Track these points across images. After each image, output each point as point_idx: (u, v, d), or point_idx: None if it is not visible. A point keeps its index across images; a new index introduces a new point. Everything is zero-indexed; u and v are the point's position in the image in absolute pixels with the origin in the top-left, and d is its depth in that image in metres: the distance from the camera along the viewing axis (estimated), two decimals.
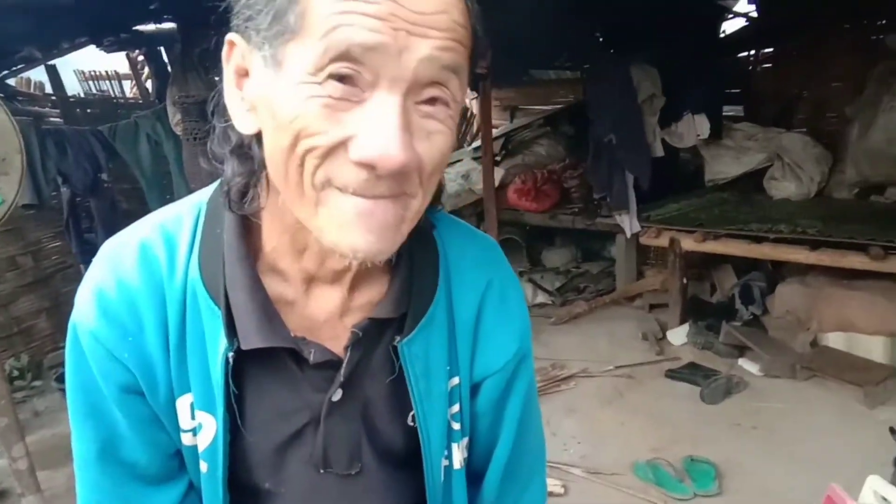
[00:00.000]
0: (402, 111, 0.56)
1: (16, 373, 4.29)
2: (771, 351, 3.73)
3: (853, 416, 3.20)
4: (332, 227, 0.60)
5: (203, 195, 0.76)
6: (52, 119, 4.67)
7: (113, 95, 5.82)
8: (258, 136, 0.64)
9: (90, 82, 5.79)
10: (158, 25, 4.21)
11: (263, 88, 0.60)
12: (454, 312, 0.79)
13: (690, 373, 3.73)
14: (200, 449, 0.73)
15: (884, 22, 4.67)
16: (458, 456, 0.82)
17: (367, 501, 0.80)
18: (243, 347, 0.68)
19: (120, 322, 0.69)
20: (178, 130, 4.03)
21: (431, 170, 0.61)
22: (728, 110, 5.19)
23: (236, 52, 0.63)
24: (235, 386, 0.70)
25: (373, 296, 0.75)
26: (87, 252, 4.30)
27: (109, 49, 4.32)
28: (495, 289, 0.81)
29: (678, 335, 4.24)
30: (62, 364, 0.77)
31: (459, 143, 7.49)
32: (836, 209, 4.21)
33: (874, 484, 1.95)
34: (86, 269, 0.73)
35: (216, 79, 0.67)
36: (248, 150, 0.67)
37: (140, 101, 5.52)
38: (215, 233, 0.71)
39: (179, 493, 0.78)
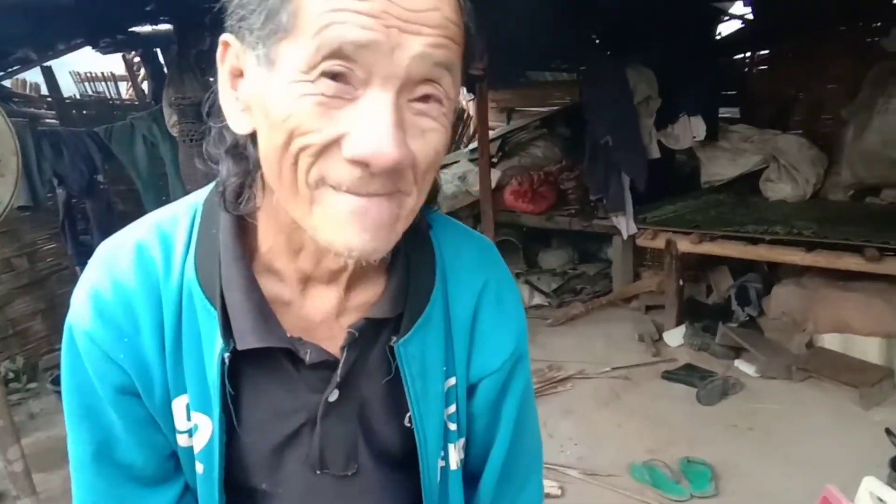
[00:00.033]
0: (395, 108, 0.56)
1: (11, 375, 4.28)
2: (767, 352, 3.74)
3: (849, 418, 3.21)
4: (326, 225, 0.60)
5: (199, 196, 0.76)
6: (47, 120, 4.65)
7: (109, 97, 5.81)
8: (253, 137, 0.64)
9: (86, 84, 5.79)
10: (155, 27, 4.21)
11: (257, 88, 0.60)
12: (450, 313, 0.79)
13: (687, 374, 3.73)
14: (196, 450, 0.73)
15: (879, 24, 4.69)
16: (455, 457, 0.82)
17: (363, 502, 0.80)
18: (239, 348, 0.68)
19: (116, 323, 0.68)
20: (174, 132, 4.03)
21: (426, 167, 0.61)
22: (724, 112, 5.20)
23: (231, 52, 0.63)
24: (231, 387, 0.70)
25: (369, 296, 0.75)
26: (83, 254, 4.29)
27: (105, 50, 4.31)
28: (491, 289, 0.81)
29: (675, 336, 4.24)
30: (58, 366, 0.77)
31: (456, 145, 7.50)
32: (832, 211, 4.23)
33: (870, 485, 1.95)
34: (81, 270, 0.73)
35: (212, 80, 0.67)
36: (243, 151, 0.67)
37: (136, 103, 5.52)
38: (211, 233, 0.71)
39: (175, 494, 0.78)
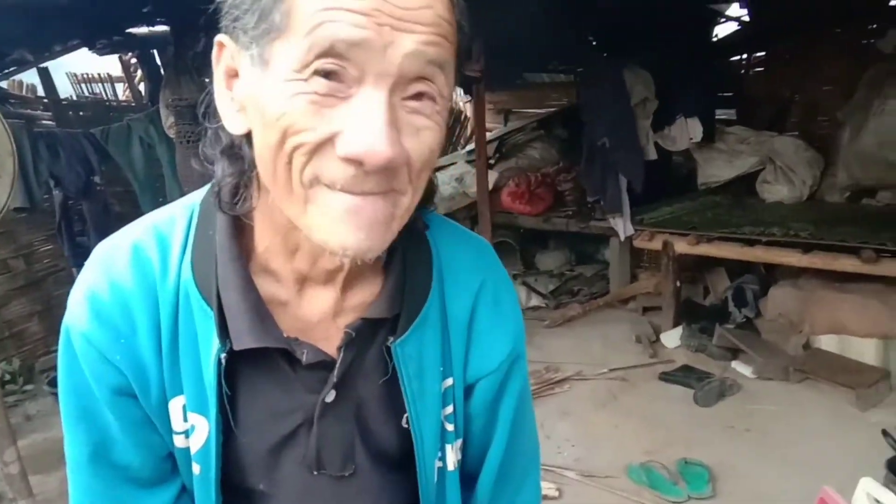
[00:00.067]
0: (389, 106, 0.56)
1: (7, 377, 4.27)
2: (764, 353, 3.74)
3: (846, 419, 3.22)
4: (321, 224, 0.60)
5: (196, 197, 0.76)
6: (44, 122, 4.65)
7: (105, 98, 5.80)
8: (248, 137, 0.64)
9: (82, 85, 5.77)
10: (151, 28, 4.21)
11: (252, 88, 0.60)
12: (447, 313, 0.79)
13: (684, 375, 3.73)
14: (193, 451, 0.73)
15: (874, 26, 4.70)
16: (452, 457, 0.82)
17: (360, 503, 0.80)
18: (235, 348, 0.68)
19: (112, 324, 0.68)
20: (171, 133, 4.03)
21: (420, 166, 0.61)
22: (720, 114, 5.21)
23: (226, 53, 0.63)
24: (228, 387, 0.70)
25: (366, 296, 0.75)
26: (80, 255, 4.28)
27: (102, 52, 4.31)
28: (488, 290, 0.81)
29: (672, 338, 4.25)
30: (54, 368, 0.77)
31: (453, 147, 7.51)
32: (828, 212, 4.24)
33: (867, 486, 1.96)
34: (78, 272, 0.72)
35: (208, 81, 0.67)
36: (238, 151, 0.67)
37: (133, 104, 5.52)
38: (208, 234, 0.71)
39: (172, 495, 0.78)
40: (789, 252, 3.72)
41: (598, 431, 3.29)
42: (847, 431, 3.09)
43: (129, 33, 4.20)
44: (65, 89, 5.32)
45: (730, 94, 5.49)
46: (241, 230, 0.71)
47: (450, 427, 0.81)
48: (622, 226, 4.64)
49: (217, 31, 0.63)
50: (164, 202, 0.81)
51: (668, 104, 4.63)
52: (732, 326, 4.11)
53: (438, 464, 0.81)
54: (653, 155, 4.70)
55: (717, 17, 5.50)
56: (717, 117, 5.02)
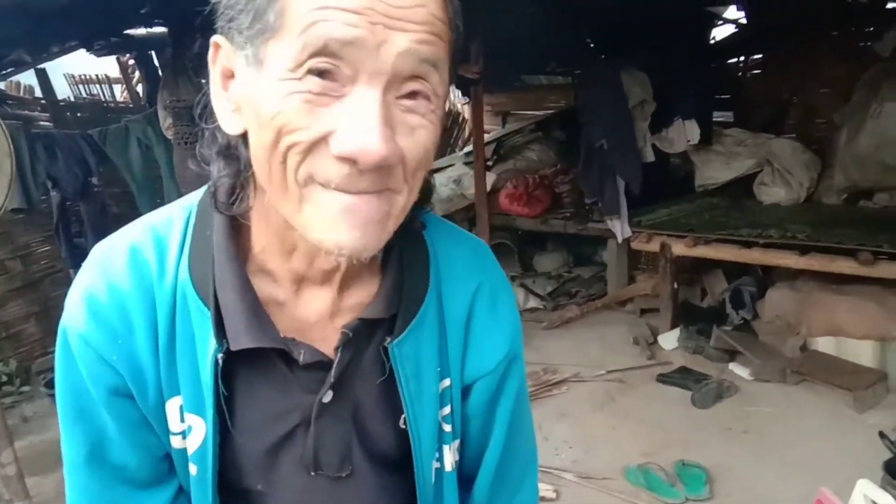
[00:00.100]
0: (382, 105, 0.56)
1: (4, 378, 4.26)
2: (761, 355, 3.75)
3: (843, 421, 3.22)
4: (316, 223, 0.60)
5: (194, 198, 0.76)
6: (41, 123, 4.65)
7: (103, 99, 5.80)
8: (245, 137, 0.64)
9: (80, 86, 5.77)
10: (149, 29, 4.21)
11: (247, 88, 0.60)
12: (445, 313, 0.79)
13: (681, 377, 3.74)
14: (190, 452, 0.73)
15: (871, 29, 4.72)
16: (450, 458, 0.82)
17: None
18: (232, 348, 0.68)
19: (110, 325, 0.68)
20: (168, 134, 4.03)
21: (415, 165, 0.61)
22: (718, 116, 5.23)
23: (221, 53, 0.63)
24: (225, 388, 0.70)
25: (363, 297, 0.76)
26: (77, 256, 4.28)
27: (100, 53, 4.31)
28: (486, 290, 0.81)
29: (669, 340, 4.25)
30: (51, 369, 0.77)
31: (451, 148, 7.51)
32: (826, 214, 4.24)
33: (864, 488, 1.96)
34: (75, 273, 0.72)
35: (205, 82, 0.67)
36: (234, 151, 0.67)
37: (131, 105, 5.51)
38: (205, 235, 0.71)
39: (169, 496, 0.78)
40: (786, 254, 3.72)
41: (596, 433, 3.29)
42: (844, 433, 3.10)
43: (127, 34, 4.21)
44: (62, 90, 5.32)
45: (727, 96, 5.50)
46: (238, 230, 0.72)
47: (447, 428, 0.81)
48: (620, 228, 4.64)
49: (213, 32, 0.64)
50: (162, 203, 0.81)
51: (665, 106, 4.63)
52: (730, 328, 4.11)
53: (436, 464, 0.81)
54: (650, 157, 4.70)
55: (714, 19, 5.51)
56: (714, 119, 5.03)
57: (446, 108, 0.68)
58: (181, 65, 3.86)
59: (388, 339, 0.73)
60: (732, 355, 3.90)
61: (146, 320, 0.69)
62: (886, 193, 4.31)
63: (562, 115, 6.21)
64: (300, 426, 0.75)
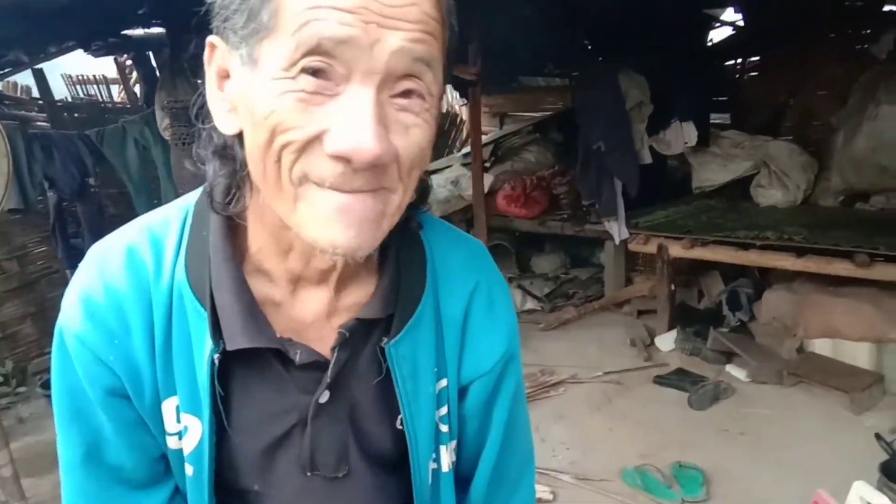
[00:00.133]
0: (376, 104, 0.57)
1: (0, 379, 4.25)
2: (758, 357, 3.75)
3: (839, 422, 3.23)
4: (310, 222, 0.60)
5: (191, 198, 0.76)
6: (38, 123, 4.64)
7: (101, 100, 5.79)
8: (240, 137, 0.64)
9: (77, 86, 5.76)
10: (147, 30, 4.20)
11: (242, 87, 0.60)
12: (441, 314, 0.79)
13: (678, 379, 3.74)
14: (186, 452, 0.73)
15: (868, 31, 4.73)
16: (447, 459, 0.82)
17: None
18: (229, 348, 0.68)
19: (106, 326, 0.68)
20: (166, 135, 4.02)
21: (410, 164, 0.62)
22: (715, 118, 5.23)
23: (217, 54, 0.64)
24: (222, 388, 0.70)
25: (360, 297, 0.75)
26: (74, 257, 4.27)
27: (97, 53, 4.30)
28: (483, 291, 0.81)
29: (666, 341, 4.25)
30: (47, 370, 0.77)
31: (449, 150, 7.51)
32: (822, 216, 4.25)
33: (860, 490, 1.96)
34: (72, 274, 0.72)
35: (201, 83, 0.67)
36: (230, 151, 0.67)
37: (128, 106, 5.50)
38: (202, 235, 0.71)
39: (165, 496, 0.78)
40: (783, 256, 3.73)
41: (593, 435, 3.29)
42: (841, 435, 3.10)
43: (125, 35, 4.20)
44: (60, 91, 5.31)
45: (724, 98, 5.52)
46: (234, 231, 0.72)
47: (444, 428, 0.81)
48: (617, 229, 4.64)
49: (209, 32, 0.64)
50: (159, 204, 0.81)
51: (663, 108, 4.64)
52: (727, 330, 4.12)
53: (433, 465, 0.81)
54: (648, 159, 4.71)
55: (712, 21, 5.53)
56: (711, 121, 5.03)
57: (442, 109, 0.68)
58: (179, 65, 3.86)
59: (385, 340, 0.73)
60: (729, 357, 3.91)
61: (143, 321, 0.69)
62: (883, 196, 4.32)
63: (559, 117, 6.22)
64: (297, 426, 0.74)
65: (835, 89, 4.72)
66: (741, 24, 5.46)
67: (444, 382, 0.79)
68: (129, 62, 5.25)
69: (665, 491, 2.75)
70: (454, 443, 0.83)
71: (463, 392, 0.82)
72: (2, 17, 2.94)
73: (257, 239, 0.71)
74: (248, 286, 0.70)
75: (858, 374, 3.50)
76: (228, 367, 0.70)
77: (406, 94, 0.59)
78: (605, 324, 4.73)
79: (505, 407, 0.84)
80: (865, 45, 4.68)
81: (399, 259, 0.76)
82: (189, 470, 0.73)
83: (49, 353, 0.73)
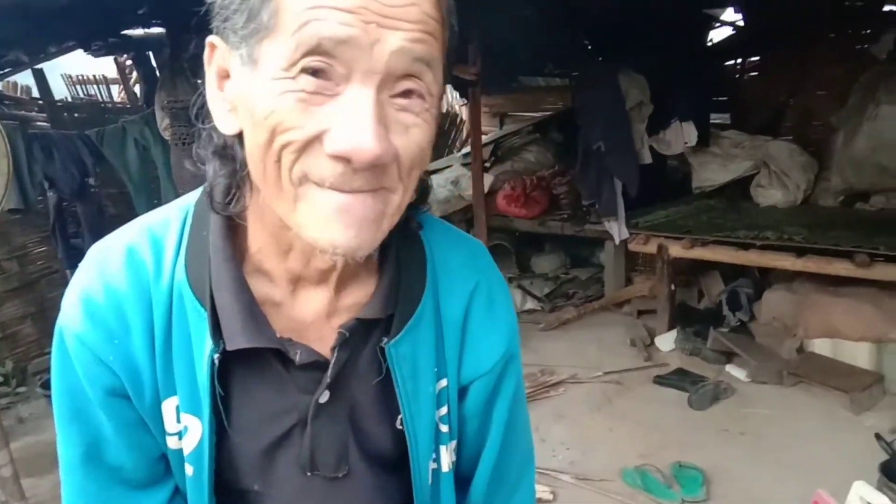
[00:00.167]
0: (376, 103, 0.57)
1: (0, 379, 4.25)
2: (758, 357, 3.75)
3: (839, 422, 3.23)
4: (311, 222, 0.60)
5: (191, 198, 0.76)
6: (38, 123, 4.64)
7: (101, 100, 5.79)
8: (240, 137, 0.64)
9: (77, 86, 5.76)
10: (147, 30, 4.20)
11: (242, 87, 0.60)
12: (441, 314, 0.79)
13: (678, 379, 3.74)
14: (186, 452, 0.73)
15: (868, 31, 4.73)
16: (447, 459, 0.82)
17: None
18: (228, 348, 0.68)
19: (106, 325, 0.68)
20: (166, 135, 4.02)
21: (410, 164, 0.62)
22: (715, 118, 5.23)
23: (217, 54, 0.64)
24: (221, 388, 0.70)
25: (360, 297, 0.75)
26: (74, 257, 4.27)
27: (97, 53, 4.30)
28: (483, 290, 0.81)
29: (666, 341, 4.25)
30: (47, 370, 0.76)
31: (449, 150, 7.51)
32: (822, 216, 4.25)
33: (860, 490, 1.96)
34: (72, 274, 0.72)
35: (201, 83, 0.67)
36: (230, 151, 0.67)
37: (128, 106, 5.50)
38: (202, 235, 0.71)
39: (165, 496, 0.78)
40: (783, 256, 3.73)
41: (593, 435, 3.29)
42: (841, 435, 3.10)
43: (125, 35, 4.20)
44: (60, 91, 5.31)
45: (724, 98, 5.52)
46: (234, 231, 0.72)
47: (444, 428, 0.81)
48: (617, 229, 4.64)
49: (210, 32, 0.64)
50: (159, 204, 0.81)
51: (663, 108, 4.64)
52: (727, 330, 4.12)
53: (433, 465, 0.81)
54: (648, 159, 4.71)
55: (712, 21, 5.53)
56: (711, 121, 5.04)
57: (442, 109, 0.68)
58: (179, 65, 3.86)
59: (385, 340, 0.73)
60: (729, 357, 3.91)
61: (143, 321, 0.69)
62: (883, 196, 4.32)
63: (559, 117, 6.22)
64: (297, 426, 0.74)
65: (835, 89, 4.73)
66: (741, 24, 5.46)
67: (444, 382, 0.79)
68: (129, 62, 5.25)
69: (665, 491, 2.75)
70: (454, 443, 0.83)
71: (463, 392, 0.82)
72: (2, 16, 2.94)
73: (257, 239, 0.71)
74: (248, 286, 0.70)
75: (858, 374, 3.50)
76: (228, 367, 0.70)
77: (406, 94, 0.59)
78: (605, 324, 4.73)
79: (505, 407, 0.84)
80: (865, 45, 4.69)
81: (399, 259, 0.76)
82: (189, 470, 0.73)
83: (49, 353, 0.73)
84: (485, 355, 0.81)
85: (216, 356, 0.68)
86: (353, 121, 0.56)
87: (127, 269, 0.70)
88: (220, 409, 0.70)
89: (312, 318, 0.74)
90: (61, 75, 5.60)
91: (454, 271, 0.80)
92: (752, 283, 4.32)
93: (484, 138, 5.71)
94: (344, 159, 0.57)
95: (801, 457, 2.94)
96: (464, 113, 7.55)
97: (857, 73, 4.43)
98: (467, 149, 6.32)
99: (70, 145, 4.09)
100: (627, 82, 4.52)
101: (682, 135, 4.68)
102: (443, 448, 0.81)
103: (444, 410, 0.80)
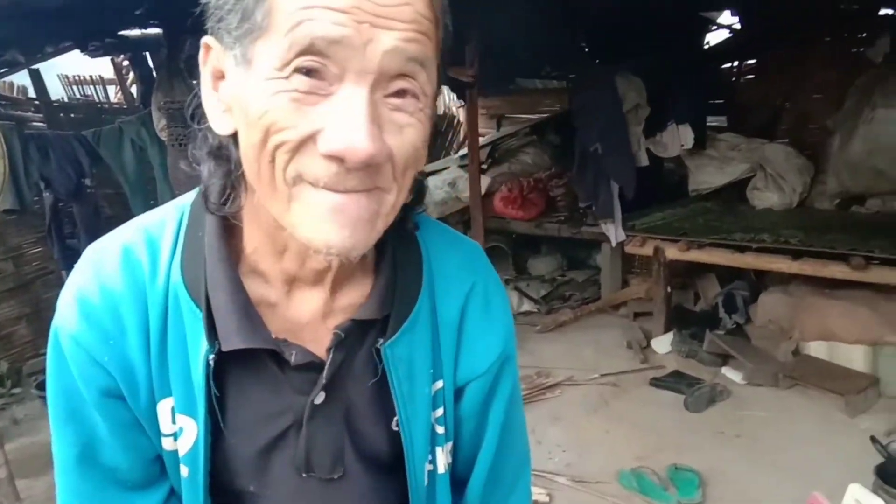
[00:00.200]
0: (370, 103, 0.57)
1: None
2: (754, 360, 3.76)
3: (835, 425, 3.23)
4: (305, 222, 0.60)
5: (187, 198, 0.76)
6: (35, 123, 4.63)
7: (97, 100, 5.78)
8: (235, 137, 0.64)
9: (74, 87, 5.76)
10: (144, 30, 4.20)
11: (236, 88, 0.61)
12: (437, 315, 0.79)
13: (675, 381, 3.74)
14: (181, 453, 0.73)
15: (864, 35, 4.75)
16: (443, 460, 0.82)
17: None
18: (224, 349, 0.68)
19: (102, 326, 0.68)
20: (162, 136, 4.02)
21: (405, 164, 0.62)
22: (712, 121, 5.25)
23: (212, 54, 0.64)
24: (217, 389, 0.70)
25: (356, 297, 0.75)
26: (70, 258, 4.26)
27: (94, 54, 4.30)
28: (479, 291, 0.81)
29: (662, 343, 4.26)
30: (42, 371, 0.76)
31: (446, 151, 7.52)
32: (818, 219, 4.26)
33: (855, 492, 1.97)
34: (67, 275, 0.72)
35: (196, 83, 0.67)
36: (225, 152, 0.67)
37: (125, 107, 5.50)
38: (197, 236, 0.71)
39: (160, 498, 0.77)
40: (779, 259, 3.74)
41: (589, 437, 3.29)
42: (836, 438, 3.11)
43: (122, 35, 4.20)
44: (56, 91, 5.31)
45: (721, 101, 5.53)
46: (230, 231, 0.72)
47: (440, 430, 0.81)
48: (614, 231, 4.65)
49: (205, 33, 0.64)
50: (155, 205, 0.81)
51: (659, 111, 4.65)
52: (723, 332, 4.12)
53: (429, 467, 0.80)
54: (644, 161, 4.71)
55: (708, 24, 5.54)
56: (708, 124, 5.05)
57: (437, 109, 0.68)
58: (176, 66, 3.85)
59: (381, 341, 0.72)
60: (725, 359, 3.91)
61: (138, 321, 0.69)
62: (878, 199, 4.34)
63: (556, 119, 6.22)
64: (292, 427, 0.74)
65: (831, 92, 4.74)
66: (738, 27, 5.47)
67: (439, 384, 0.79)
68: (125, 63, 5.24)
69: (661, 493, 2.75)
70: (450, 444, 0.83)
71: (459, 393, 0.82)
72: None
73: (252, 239, 0.71)
74: (243, 287, 0.70)
75: (854, 376, 3.50)
76: (224, 367, 0.70)
77: (400, 93, 0.59)
78: (602, 326, 4.74)
79: (501, 408, 0.84)
80: (861, 49, 4.71)
81: (395, 260, 0.76)
82: (184, 471, 0.73)
83: (44, 353, 0.73)
84: (481, 356, 0.81)
85: (211, 357, 0.67)
86: (346, 120, 0.56)
87: (123, 269, 0.70)
88: (215, 409, 0.70)
89: (308, 318, 0.74)
90: (58, 75, 5.60)
91: (450, 272, 0.80)
92: (748, 286, 4.33)
93: (481, 140, 5.71)
94: (338, 159, 0.57)
95: (796, 459, 2.95)
96: (461, 115, 7.56)
97: (853, 77, 4.45)
98: (464, 150, 6.33)
99: (66, 146, 4.08)
100: (624, 85, 4.53)
101: (678, 137, 4.69)
102: (439, 450, 0.81)
103: (440, 412, 0.80)
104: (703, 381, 3.69)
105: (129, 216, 0.78)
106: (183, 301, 0.69)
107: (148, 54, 4.52)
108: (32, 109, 4.77)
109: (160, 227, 0.73)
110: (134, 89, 5.40)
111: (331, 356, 0.72)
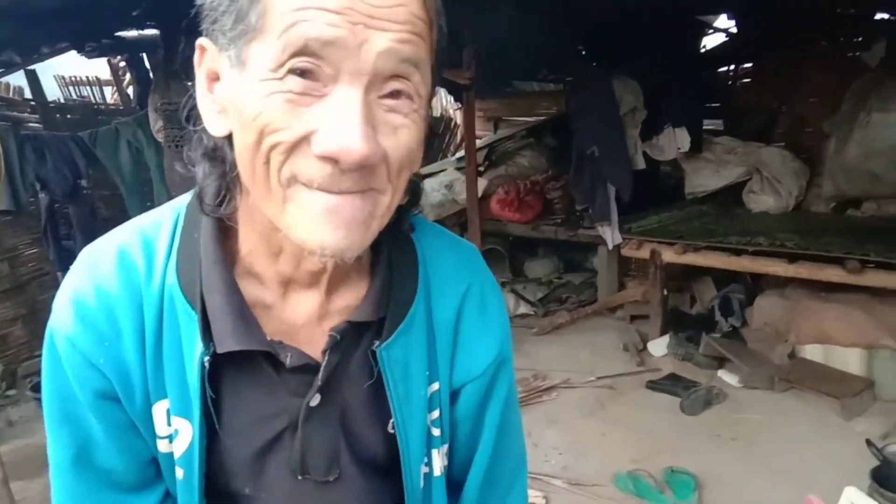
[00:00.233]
0: (364, 104, 0.57)
1: None
2: (750, 362, 3.76)
3: (830, 428, 3.24)
4: (299, 223, 0.60)
5: (183, 200, 0.76)
6: (31, 124, 4.63)
7: (94, 101, 5.77)
8: (230, 139, 0.64)
9: (71, 88, 5.74)
10: (141, 31, 4.19)
11: (230, 89, 0.61)
12: (433, 317, 0.78)
13: (671, 384, 3.75)
14: (176, 455, 0.72)
15: (860, 39, 4.76)
16: (439, 463, 0.81)
17: None
18: (219, 351, 0.68)
19: (97, 328, 0.68)
20: (159, 137, 4.01)
21: (399, 165, 0.62)
22: (708, 124, 5.26)
23: (207, 56, 0.64)
24: (212, 391, 0.69)
25: (351, 300, 0.75)
26: (65, 259, 4.26)
27: (91, 55, 4.29)
28: (475, 293, 0.81)
29: (659, 346, 4.26)
30: (37, 373, 0.76)
31: (443, 154, 7.52)
32: (814, 223, 4.27)
33: (851, 495, 1.97)
34: (63, 276, 0.72)
35: (190, 85, 0.67)
36: (220, 153, 0.67)
37: (121, 108, 5.49)
38: (193, 237, 0.71)
39: (155, 500, 0.77)
40: (775, 262, 3.74)
41: (586, 439, 3.29)
42: (832, 441, 3.11)
43: (119, 36, 4.19)
44: (53, 92, 5.29)
45: (717, 104, 5.54)
46: (225, 233, 0.71)
47: (436, 432, 0.80)
48: (610, 234, 4.66)
49: (201, 34, 0.64)
50: (152, 206, 0.81)
51: (656, 114, 4.66)
52: (719, 335, 4.13)
53: (425, 469, 0.80)
54: (641, 164, 4.72)
55: (705, 28, 5.56)
56: (704, 127, 5.06)
57: (432, 110, 0.68)
58: (172, 67, 3.85)
59: (377, 343, 0.72)
60: (721, 362, 3.92)
61: (133, 323, 0.69)
62: (874, 202, 4.35)
63: (553, 122, 6.23)
64: (287, 430, 0.74)
65: (827, 96, 4.75)
66: (734, 30, 5.49)
67: (435, 386, 0.79)
68: (122, 64, 5.23)
69: (657, 496, 2.75)
70: (446, 447, 0.83)
71: (455, 395, 0.82)
72: None
73: (248, 241, 0.71)
74: (238, 288, 0.70)
75: (849, 379, 3.51)
76: (219, 369, 0.70)
77: (394, 94, 0.59)
78: (598, 328, 4.74)
79: (497, 411, 0.84)
80: (857, 53, 4.72)
81: (391, 261, 0.76)
82: (180, 473, 0.73)
83: (39, 355, 0.73)
84: (477, 358, 0.81)
85: (206, 359, 0.67)
86: (340, 121, 0.56)
87: (118, 271, 0.69)
88: (210, 411, 0.70)
89: (303, 320, 0.74)
90: (54, 76, 5.58)
91: (446, 274, 0.80)
92: (745, 289, 4.33)
93: (478, 143, 5.72)
94: (332, 160, 0.57)
95: (792, 462, 2.95)
96: (458, 117, 7.56)
97: (849, 81, 4.46)
98: (461, 153, 6.33)
99: (62, 147, 4.08)
100: (621, 88, 4.54)
101: (675, 140, 4.70)
102: (434, 452, 0.81)
103: (435, 414, 0.80)
104: (700, 383, 3.70)
105: (125, 218, 0.78)
106: (178, 303, 0.69)
107: (145, 55, 4.51)
108: (28, 110, 4.76)
109: (156, 228, 0.73)
110: (130, 90, 5.40)
111: (326, 358, 0.72)
